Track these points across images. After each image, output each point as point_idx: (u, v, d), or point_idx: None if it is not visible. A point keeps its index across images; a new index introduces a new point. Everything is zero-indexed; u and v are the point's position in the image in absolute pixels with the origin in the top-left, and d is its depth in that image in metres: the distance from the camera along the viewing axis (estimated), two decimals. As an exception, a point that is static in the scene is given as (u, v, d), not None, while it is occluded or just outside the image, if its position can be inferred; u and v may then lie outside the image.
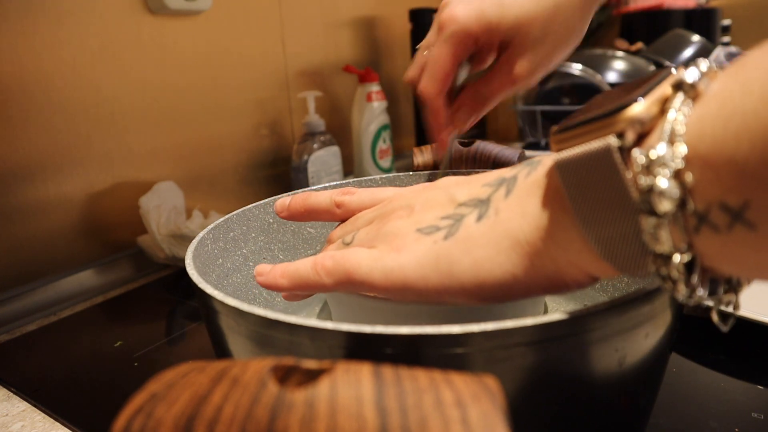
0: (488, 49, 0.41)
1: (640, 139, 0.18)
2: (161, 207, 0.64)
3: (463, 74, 0.43)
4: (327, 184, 0.46)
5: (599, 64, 1.03)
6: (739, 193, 0.15)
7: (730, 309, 0.20)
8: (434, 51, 0.40)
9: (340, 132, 0.96)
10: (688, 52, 1.10)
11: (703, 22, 1.20)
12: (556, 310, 0.42)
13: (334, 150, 0.84)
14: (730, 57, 1.06)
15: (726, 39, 1.26)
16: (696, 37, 1.12)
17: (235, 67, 0.79)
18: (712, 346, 0.41)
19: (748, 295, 0.44)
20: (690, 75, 0.17)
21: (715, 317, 0.20)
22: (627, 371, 0.23)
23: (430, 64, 0.40)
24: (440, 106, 0.42)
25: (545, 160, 0.23)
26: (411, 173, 0.48)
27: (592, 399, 0.23)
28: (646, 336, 0.23)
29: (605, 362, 0.22)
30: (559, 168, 0.20)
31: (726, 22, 1.26)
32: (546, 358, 0.21)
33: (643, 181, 0.17)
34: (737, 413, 0.34)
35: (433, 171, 0.49)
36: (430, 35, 0.42)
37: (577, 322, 0.21)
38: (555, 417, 0.23)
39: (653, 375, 0.27)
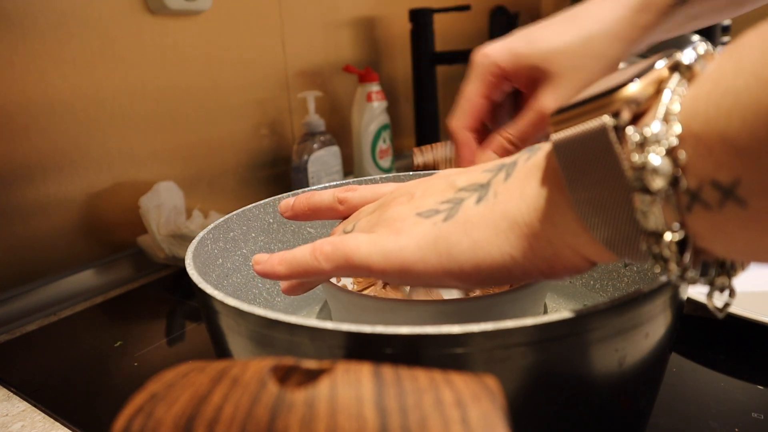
0: (524, 88, 0.42)
1: (636, 119, 0.18)
2: (161, 207, 0.64)
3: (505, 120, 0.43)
4: (327, 184, 0.46)
5: (599, 64, 1.03)
6: (731, 170, 0.15)
7: (725, 297, 0.20)
8: (466, 87, 0.41)
9: (340, 132, 0.96)
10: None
11: (703, 22, 1.20)
12: (556, 310, 0.42)
13: (334, 150, 0.84)
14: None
15: (726, 39, 1.26)
16: (696, 37, 1.12)
17: (235, 68, 0.79)
18: (712, 346, 0.41)
19: (748, 295, 0.45)
20: (686, 57, 0.18)
21: (710, 303, 0.20)
22: (627, 371, 0.23)
23: (460, 99, 0.41)
24: (467, 140, 0.42)
25: (545, 145, 0.23)
26: (411, 173, 0.48)
27: (592, 399, 0.23)
28: (646, 336, 0.23)
29: (605, 362, 0.22)
30: (556, 148, 0.20)
31: (726, 22, 1.25)
32: (546, 358, 0.21)
33: (637, 158, 0.17)
34: (737, 413, 0.34)
35: (434, 171, 0.49)
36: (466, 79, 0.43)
37: (577, 322, 0.21)
38: (555, 417, 0.23)
39: (653, 375, 0.27)
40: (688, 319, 0.45)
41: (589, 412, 0.24)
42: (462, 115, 0.41)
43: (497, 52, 0.40)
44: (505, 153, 0.42)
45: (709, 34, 1.19)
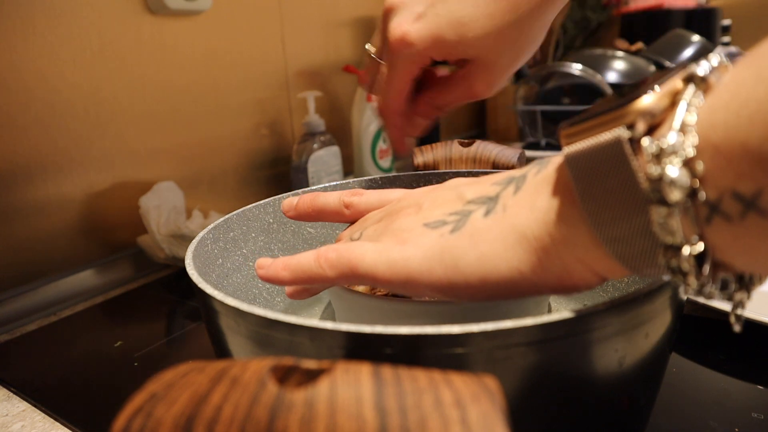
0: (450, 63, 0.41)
1: (651, 131, 0.18)
2: (161, 207, 0.64)
3: None
4: (327, 184, 0.46)
5: (599, 64, 1.03)
6: (752, 180, 0.15)
7: (741, 310, 0.20)
8: (390, 74, 0.40)
9: (340, 132, 0.96)
10: (688, 52, 1.11)
11: (703, 22, 1.20)
12: (556, 310, 0.42)
13: (334, 150, 0.84)
14: (730, 57, 1.06)
15: (726, 39, 1.26)
16: (696, 37, 1.12)
17: (235, 67, 0.79)
18: (712, 346, 0.41)
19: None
20: (701, 69, 0.18)
21: (733, 319, 0.20)
22: (627, 371, 0.23)
23: (387, 88, 0.41)
24: (399, 122, 0.42)
25: (555, 158, 0.23)
26: (411, 173, 0.48)
27: (592, 399, 0.23)
28: (646, 336, 0.23)
29: (605, 362, 0.22)
30: (568, 161, 0.20)
31: (726, 22, 1.26)
32: (546, 358, 0.21)
33: (653, 170, 0.17)
34: (737, 413, 0.34)
35: (434, 171, 0.49)
36: (377, 40, 0.42)
37: (576, 322, 0.21)
38: (555, 417, 0.23)
39: (653, 375, 0.27)
40: (688, 319, 0.45)
41: (589, 412, 0.24)
42: (392, 103, 0.41)
43: (421, 40, 0.36)
44: (431, 119, 0.43)
45: (709, 33, 1.19)
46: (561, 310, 0.21)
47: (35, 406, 0.40)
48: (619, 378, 0.23)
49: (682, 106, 0.17)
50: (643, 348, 0.23)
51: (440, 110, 0.42)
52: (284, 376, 0.15)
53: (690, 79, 0.18)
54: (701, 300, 0.20)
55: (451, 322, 0.20)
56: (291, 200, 0.34)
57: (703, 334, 0.43)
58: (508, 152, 0.49)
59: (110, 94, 0.65)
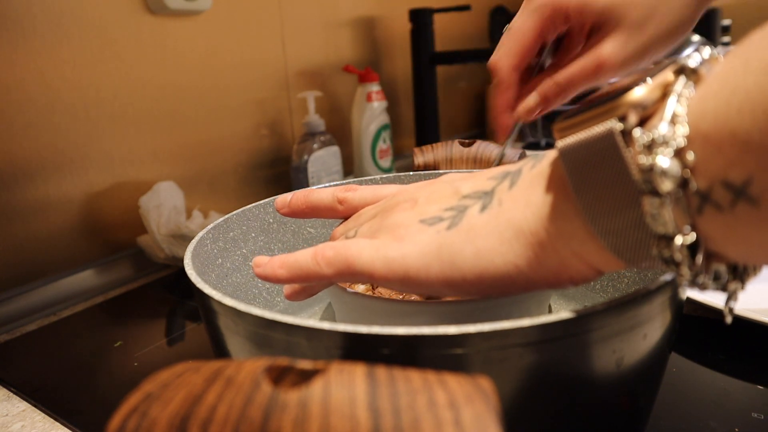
0: (578, 33, 0.38)
1: (643, 123, 0.18)
2: (161, 207, 0.64)
3: (546, 63, 0.39)
4: (327, 184, 0.46)
5: (600, 64, 1.03)
6: (742, 168, 0.15)
7: (735, 301, 0.20)
8: (517, 21, 0.37)
9: (340, 132, 0.96)
10: (688, 52, 1.10)
11: (703, 22, 1.20)
12: (556, 310, 0.42)
13: (334, 150, 0.84)
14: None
15: (726, 39, 1.26)
16: (696, 37, 1.12)
17: (235, 67, 0.79)
18: (712, 346, 0.41)
19: (748, 296, 0.44)
20: (692, 61, 0.18)
21: (727, 310, 0.20)
22: (625, 372, 0.23)
23: (509, 35, 0.37)
24: (511, 84, 0.38)
25: (550, 153, 0.23)
26: (411, 173, 0.48)
27: (591, 400, 0.23)
28: (644, 337, 0.23)
29: (603, 363, 0.22)
30: (562, 154, 0.20)
31: (726, 22, 1.25)
32: (543, 359, 0.21)
33: (645, 160, 0.17)
34: (737, 413, 0.34)
35: (434, 171, 0.49)
36: (518, 15, 0.38)
37: (574, 322, 0.21)
38: (553, 418, 0.23)
39: (652, 375, 0.26)
40: (688, 319, 0.45)
41: (588, 412, 0.24)
42: (510, 52, 0.37)
43: None
44: (548, 99, 0.38)
45: (709, 33, 1.19)
46: (560, 311, 0.21)
47: (35, 406, 0.40)
48: (618, 379, 0.23)
49: (672, 97, 0.17)
50: (642, 349, 0.23)
51: (558, 89, 0.37)
52: (279, 376, 0.15)
53: (681, 71, 0.18)
54: (696, 289, 0.19)
55: (452, 322, 0.20)
56: (284, 197, 0.34)
57: (703, 334, 0.43)
58: (509, 152, 0.49)
59: (110, 94, 0.65)
